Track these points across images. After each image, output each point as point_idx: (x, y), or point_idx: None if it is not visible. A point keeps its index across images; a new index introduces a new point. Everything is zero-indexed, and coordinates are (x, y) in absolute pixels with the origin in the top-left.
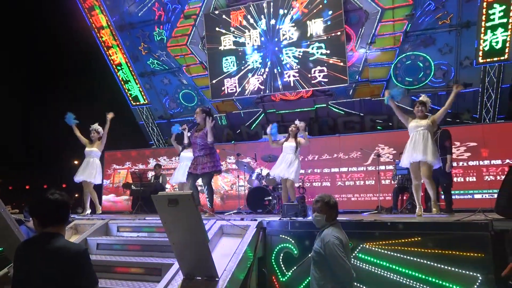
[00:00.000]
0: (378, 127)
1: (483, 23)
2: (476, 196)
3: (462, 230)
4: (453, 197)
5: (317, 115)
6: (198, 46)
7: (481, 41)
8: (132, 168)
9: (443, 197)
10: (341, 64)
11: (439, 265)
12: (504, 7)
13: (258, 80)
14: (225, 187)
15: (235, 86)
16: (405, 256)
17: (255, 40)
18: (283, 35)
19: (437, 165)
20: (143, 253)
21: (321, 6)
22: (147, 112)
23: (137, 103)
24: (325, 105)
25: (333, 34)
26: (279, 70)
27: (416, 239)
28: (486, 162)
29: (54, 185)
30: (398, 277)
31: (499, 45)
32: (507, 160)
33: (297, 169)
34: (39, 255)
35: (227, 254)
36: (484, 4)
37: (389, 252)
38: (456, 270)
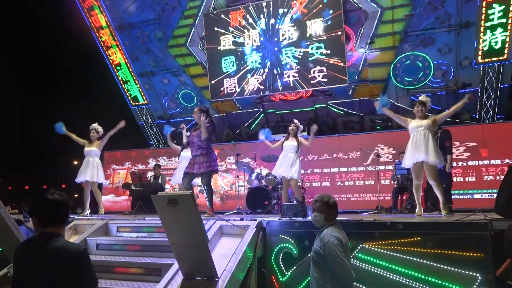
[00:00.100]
0: (378, 127)
1: (482, 23)
2: (476, 196)
3: (462, 230)
4: (452, 197)
5: (317, 115)
6: (197, 46)
7: (481, 41)
8: (132, 168)
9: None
10: (341, 64)
11: (438, 265)
12: (503, 7)
13: (257, 80)
14: (224, 187)
15: (235, 86)
16: (404, 256)
17: (255, 40)
18: (283, 35)
19: (441, 165)
20: (142, 253)
21: (320, 6)
22: (147, 112)
23: (137, 103)
24: (324, 105)
25: (332, 34)
26: (279, 70)
27: (415, 239)
28: (486, 162)
29: (54, 185)
30: (398, 277)
31: (499, 45)
32: (507, 160)
33: (299, 168)
34: (39, 255)
35: (226, 254)
36: (484, 4)
37: (388, 252)
38: (456, 270)
